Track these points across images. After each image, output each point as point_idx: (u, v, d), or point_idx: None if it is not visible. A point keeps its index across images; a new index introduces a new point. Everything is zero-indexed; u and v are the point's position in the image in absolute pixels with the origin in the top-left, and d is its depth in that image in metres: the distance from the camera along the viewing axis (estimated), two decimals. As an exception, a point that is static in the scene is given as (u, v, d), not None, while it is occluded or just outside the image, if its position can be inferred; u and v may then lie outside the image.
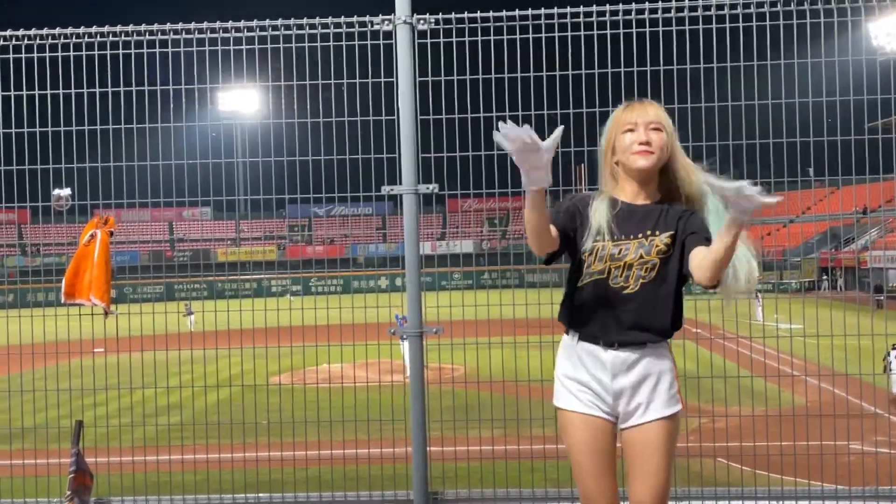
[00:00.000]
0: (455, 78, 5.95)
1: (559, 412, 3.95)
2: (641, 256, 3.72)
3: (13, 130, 6.50)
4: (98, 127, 6.52)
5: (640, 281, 3.74)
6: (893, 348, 17.44)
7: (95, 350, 7.17)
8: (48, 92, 6.37)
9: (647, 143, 3.75)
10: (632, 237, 3.78)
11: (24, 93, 6.44)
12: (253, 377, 7.24)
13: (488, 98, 5.99)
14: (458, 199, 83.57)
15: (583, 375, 3.85)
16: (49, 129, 6.45)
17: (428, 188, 5.83)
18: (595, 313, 3.79)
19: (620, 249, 3.76)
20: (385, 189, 5.89)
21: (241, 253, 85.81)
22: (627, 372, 3.78)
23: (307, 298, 8.00)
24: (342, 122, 6.38)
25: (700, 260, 3.57)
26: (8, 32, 6.17)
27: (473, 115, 6.00)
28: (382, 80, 5.99)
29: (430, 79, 5.89)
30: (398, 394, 7.65)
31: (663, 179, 3.87)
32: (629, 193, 3.88)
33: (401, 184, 5.79)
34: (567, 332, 3.96)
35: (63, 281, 5.76)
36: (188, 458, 6.76)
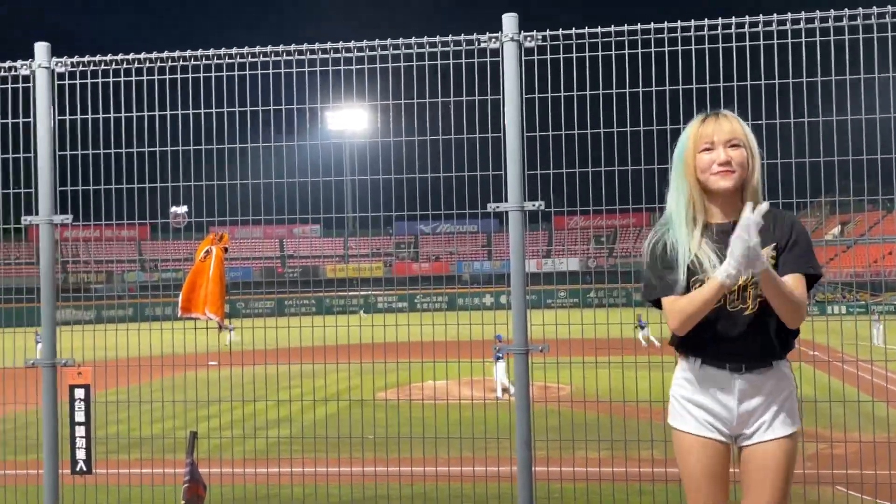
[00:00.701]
0: (562, 94, 5.97)
1: (675, 433, 3.89)
2: (753, 275, 3.58)
3: (134, 150, 6.81)
4: (214, 146, 6.79)
5: (758, 300, 3.63)
6: None
7: (209, 363, 7.43)
8: (168, 113, 6.67)
9: (727, 163, 3.63)
10: None
11: (146, 113, 6.76)
12: (360, 392, 7.36)
13: (595, 114, 5.97)
14: (563, 217, 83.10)
15: (705, 400, 3.76)
16: (168, 147, 6.73)
17: (534, 205, 5.82)
18: (718, 338, 3.69)
19: None
20: (491, 206, 5.92)
21: (350, 269, 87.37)
22: (756, 394, 3.70)
23: (413, 315, 8.10)
24: (448, 140, 6.46)
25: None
26: (130, 56, 6.47)
27: (580, 132, 5.99)
28: (489, 97, 6.04)
29: (536, 95, 5.91)
30: (503, 412, 7.65)
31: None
32: (717, 213, 3.75)
33: (507, 201, 5.81)
34: (686, 358, 3.90)
35: (180, 296, 6.00)
36: (297, 471, 6.92)
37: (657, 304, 3.82)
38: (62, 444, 5.84)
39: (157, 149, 6.77)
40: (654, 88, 5.84)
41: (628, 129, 5.82)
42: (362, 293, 78.76)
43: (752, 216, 3.32)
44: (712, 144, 3.66)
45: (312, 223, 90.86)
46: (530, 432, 5.73)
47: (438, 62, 6.19)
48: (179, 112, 6.64)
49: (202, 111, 6.60)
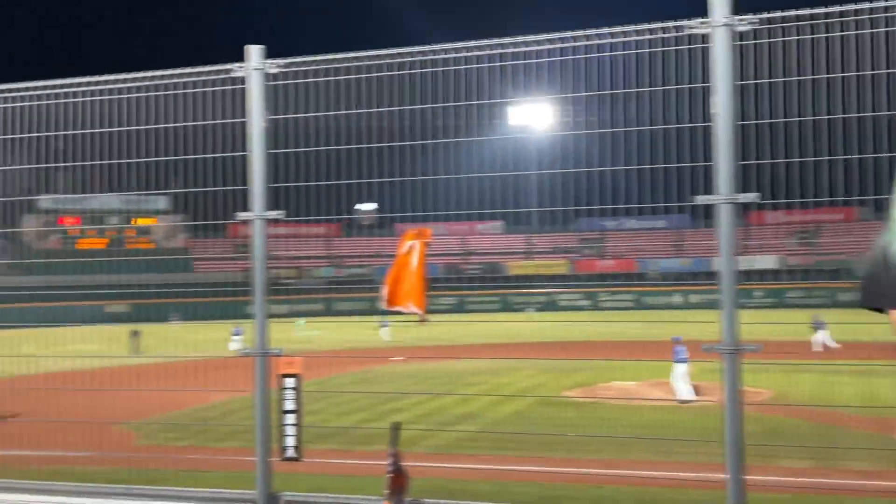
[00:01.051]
0: (769, 80, 5.66)
1: None
2: None
3: (323, 148, 7.03)
4: (397, 144, 6.94)
5: None
6: None
7: (395, 358, 7.60)
8: (353, 111, 6.86)
9: None
10: None
11: (332, 113, 6.98)
12: (546, 390, 7.33)
13: (803, 101, 5.64)
14: (760, 211, 79.51)
15: None
16: (353, 146, 6.93)
17: (748, 197, 5.45)
18: None
19: None
20: (700, 199, 5.58)
21: (532, 266, 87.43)
22: None
23: (596, 313, 7.96)
24: (634, 133, 6.28)
25: None
26: (339, 56, 6.64)
27: (803, 119, 5.66)
28: (688, 85, 5.82)
29: (743, 82, 5.63)
30: (692, 415, 7.39)
31: None
32: None
33: (716, 193, 5.46)
34: None
35: (383, 289, 6.24)
36: (483, 467, 6.97)
37: (878, 310, 3.54)
38: (271, 431, 6.09)
39: (354, 146, 6.97)
40: (871, 72, 5.43)
41: (856, 114, 5.43)
42: (545, 291, 78.82)
43: None
44: None
45: (495, 219, 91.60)
46: (741, 439, 5.45)
47: (634, 52, 6.02)
48: (364, 110, 6.80)
49: (386, 108, 6.73)
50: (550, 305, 73.60)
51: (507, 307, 73.98)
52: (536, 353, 7.12)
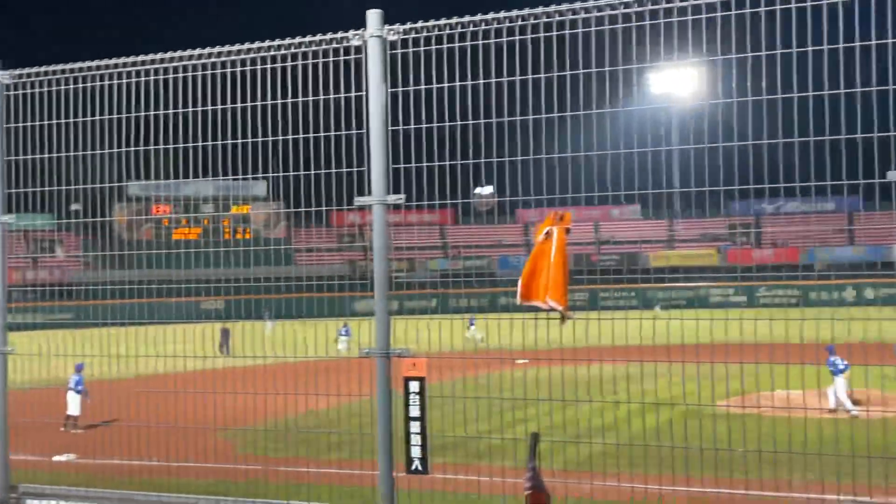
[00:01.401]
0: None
1: None
2: None
3: (423, 126, 7.01)
4: (518, 118, 6.89)
5: None
6: None
7: (518, 360, 7.59)
8: (457, 84, 6.83)
9: None
10: None
11: (435, 86, 6.95)
12: (697, 399, 7.20)
13: None
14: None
15: None
16: (470, 121, 6.89)
17: None
18: None
19: None
20: (891, 175, 5.34)
21: (676, 257, 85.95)
22: None
23: (753, 311, 7.77)
24: (791, 100, 6.10)
25: None
26: (465, 19, 6.63)
27: None
28: (857, 44, 5.63)
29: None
30: (859, 430, 7.16)
31: None
32: None
33: None
34: None
35: (519, 282, 6.09)
36: (623, 485, 6.92)
37: None
38: (395, 442, 6.08)
39: (447, 123, 6.93)
40: None
41: None
42: (691, 285, 77.27)
43: None
44: None
45: (633, 202, 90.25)
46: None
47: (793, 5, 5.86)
48: (470, 82, 6.77)
49: (493, 80, 6.70)
50: (699, 301, 72.07)
51: (646, 303, 72.96)
52: (684, 355, 6.99)
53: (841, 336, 7.53)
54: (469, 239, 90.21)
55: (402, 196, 6.51)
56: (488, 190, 7.96)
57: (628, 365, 7.52)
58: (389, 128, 6.54)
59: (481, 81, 6.91)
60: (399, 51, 6.58)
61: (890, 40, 5.54)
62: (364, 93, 6.47)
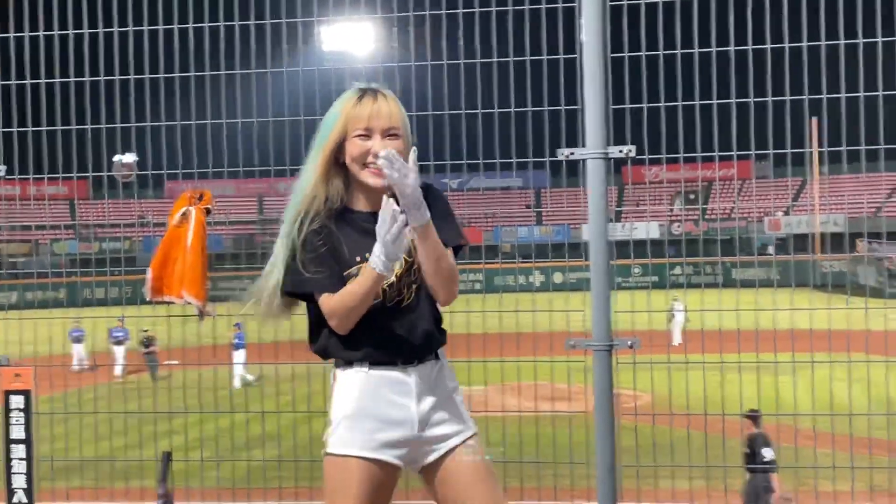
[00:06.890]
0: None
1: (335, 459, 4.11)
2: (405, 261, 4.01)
3: (57, 80, 6.76)
4: (174, 75, 6.76)
5: (413, 287, 4.09)
6: None
7: (167, 362, 7.46)
8: (101, 30, 6.63)
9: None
10: None
11: (72, 32, 6.71)
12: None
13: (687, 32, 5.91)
14: (641, 167, 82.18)
15: (378, 409, 4.12)
16: (101, 77, 6.70)
17: (621, 151, 5.60)
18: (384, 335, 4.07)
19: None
20: (562, 153, 5.70)
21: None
22: (429, 392, 4.12)
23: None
24: (476, 65, 6.41)
25: None
26: None
27: (667, 52, 5.93)
28: (546, 5, 5.97)
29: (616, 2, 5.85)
30: (560, 428, 7.66)
31: None
32: (365, 201, 4.14)
33: (584, 146, 5.59)
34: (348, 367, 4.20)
35: (148, 272, 5.78)
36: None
37: (305, 299, 4.17)
38: None
39: (87, 79, 6.73)
40: None
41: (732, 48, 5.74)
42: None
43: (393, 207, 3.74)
44: (369, 132, 4.00)
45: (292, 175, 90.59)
46: (615, 455, 5.68)
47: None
48: (116, 29, 6.62)
49: (146, 27, 6.58)
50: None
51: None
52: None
53: (527, 326, 7.97)
54: (108, 217, 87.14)
55: (2, 167, 6.21)
56: (130, 158, 7.73)
57: (293, 366, 7.58)
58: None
59: (115, 30, 6.70)
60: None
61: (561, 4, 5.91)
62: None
